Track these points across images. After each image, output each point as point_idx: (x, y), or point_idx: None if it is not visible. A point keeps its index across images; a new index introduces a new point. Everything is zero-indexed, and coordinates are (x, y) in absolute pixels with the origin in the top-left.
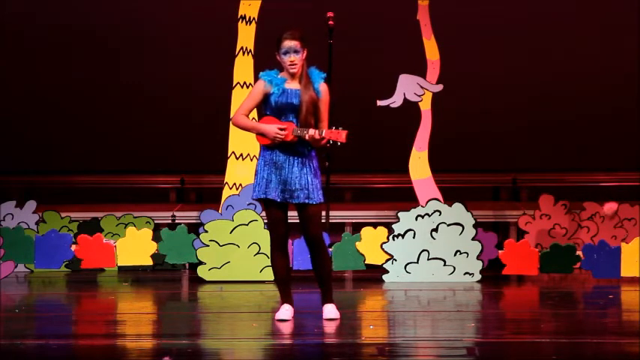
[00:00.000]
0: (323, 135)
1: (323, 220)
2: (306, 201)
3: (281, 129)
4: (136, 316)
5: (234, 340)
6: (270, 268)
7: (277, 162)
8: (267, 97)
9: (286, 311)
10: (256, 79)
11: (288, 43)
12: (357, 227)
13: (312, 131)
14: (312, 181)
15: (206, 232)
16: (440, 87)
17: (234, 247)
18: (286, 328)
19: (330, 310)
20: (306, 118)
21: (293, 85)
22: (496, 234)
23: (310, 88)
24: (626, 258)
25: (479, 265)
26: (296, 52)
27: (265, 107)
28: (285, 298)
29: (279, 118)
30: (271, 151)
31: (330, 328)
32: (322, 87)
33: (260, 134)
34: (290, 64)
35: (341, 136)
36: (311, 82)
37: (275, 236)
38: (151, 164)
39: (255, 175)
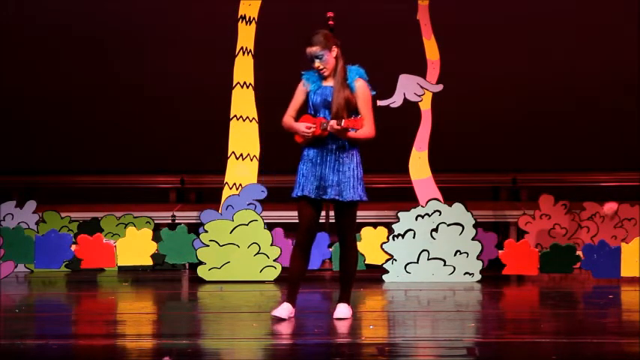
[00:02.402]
0: (342, 124)
1: (322, 220)
2: (337, 197)
3: (309, 126)
4: (136, 316)
5: (234, 340)
6: (271, 267)
7: (313, 159)
8: (307, 95)
9: (284, 309)
10: (256, 79)
11: (309, 51)
12: (357, 227)
13: (332, 122)
14: (346, 178)
15: (206, 232)
16: (440, 87)
17: (234, 247)
18: (286, 328)
19: (339, 310)
20: (337, 114)
21: (329, 83)
22: (496, 234)
23: (344, 85)
24: (626, 258)
25: (479, 265)
26: (318, 57)
27: (308, 106)
28: (289, 298)
29: (316, 115)
30: (308, 148)
31: (330, 328)
32: (357, 83)
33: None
34: (318, 70)
35: (359, 122)
36: (345, 78)
37: (300, 234)
38: (151, 164)
39: (297, 174)
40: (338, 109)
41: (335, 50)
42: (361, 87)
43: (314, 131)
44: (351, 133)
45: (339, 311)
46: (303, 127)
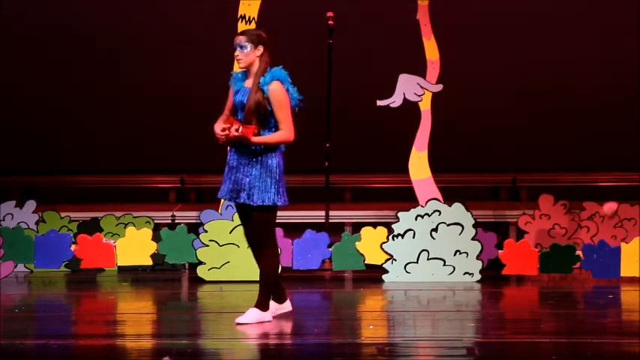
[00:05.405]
0: (240, 131)
1: (322, 220)
2: (247, 202)
3: (224, 128)
4: (136, 316)
5: (234, 340)
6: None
7: (230, 162)
8: None
9: (243, 314)
10: None
11: (236, 39)
12: (357, 227)
13: (233, 129)
14: (258, 182)
15: (206, 232)
16: (440, 87)
17: (234, 247)
18: (286, 328)
19: (244, 314)
20: (246, 118)
21: (248, 84)
22: (496, 234)
23: (257, 87)
24: (626, 258)
25: (479, 265)
26: (241, 47)
27: None
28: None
29: (237, 116)
30: (230, 151)
31: (330, 328)
32: (271, 86)
33: None
34: (236, 59)
35: (249, 132)
36: (259, 81)
37: None
38: (151, 164)
39: None
40: (247, 112)
41: (260, 50)
42: (275, 90)
43: (227, 134)
44: (263, 138)
45: (243, 315)
46: (219, 129)
